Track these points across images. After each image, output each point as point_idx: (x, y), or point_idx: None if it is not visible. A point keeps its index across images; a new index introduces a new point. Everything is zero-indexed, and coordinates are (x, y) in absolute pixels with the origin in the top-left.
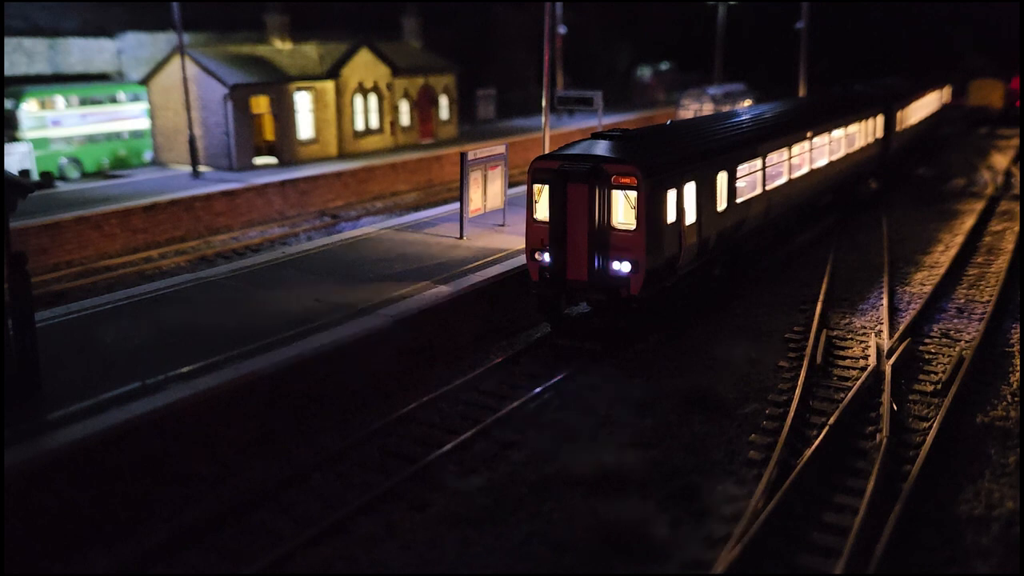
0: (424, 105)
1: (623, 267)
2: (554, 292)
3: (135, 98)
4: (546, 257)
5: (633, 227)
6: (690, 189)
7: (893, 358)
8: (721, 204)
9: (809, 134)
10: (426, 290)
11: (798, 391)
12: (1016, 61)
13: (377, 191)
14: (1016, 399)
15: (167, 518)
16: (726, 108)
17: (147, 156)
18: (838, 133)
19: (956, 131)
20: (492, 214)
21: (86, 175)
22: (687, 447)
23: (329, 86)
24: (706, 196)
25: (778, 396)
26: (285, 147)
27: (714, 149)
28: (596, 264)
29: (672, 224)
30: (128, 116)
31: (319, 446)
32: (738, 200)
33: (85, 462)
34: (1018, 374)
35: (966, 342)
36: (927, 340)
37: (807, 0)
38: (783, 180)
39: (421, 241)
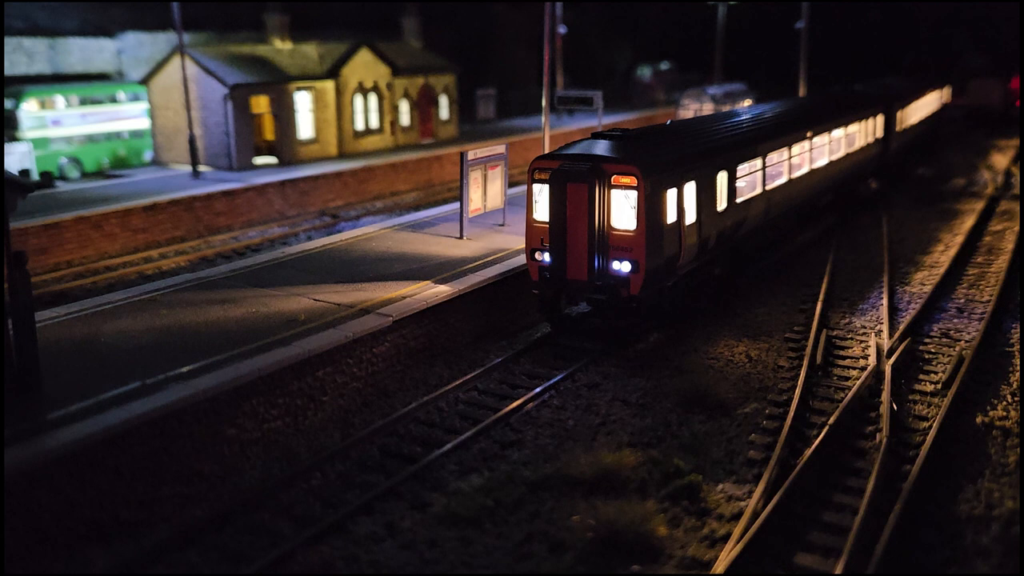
0: (424, 105)
1: (623, 267)
2: (554, 292)
3: (135, 98)
4: (546, 257)
5: (633, 227)
6: (690, 189)
7: (893, 358)
8: (721, 204)
9: (809, 134)
10: (426, 290)
11: (798, 391)
12: (1016, 61)
13: (377, 191)
14: (1016, 399)
15: (167, 517)
16: (726, 108)
17: (147, 156)
18: (838, 133)
19: (956, 131)
20: (492, 214)
21: (86, 175)
22: (687, 447)
23: (329, 86)
24: (706, 196)
25: (778, 396)
26: (285, 147)
27: (714, 149)
28: (596, 264)
29: (672, 224)
30: (128, 116)
31: (319, 446)
32: (738, 200)
33: (85, 462)
34: (1018, 374)
35: (966, 342)
36: (927, 340)
37: (807, 0)
38: (783, 180)
39: (421, 241)
